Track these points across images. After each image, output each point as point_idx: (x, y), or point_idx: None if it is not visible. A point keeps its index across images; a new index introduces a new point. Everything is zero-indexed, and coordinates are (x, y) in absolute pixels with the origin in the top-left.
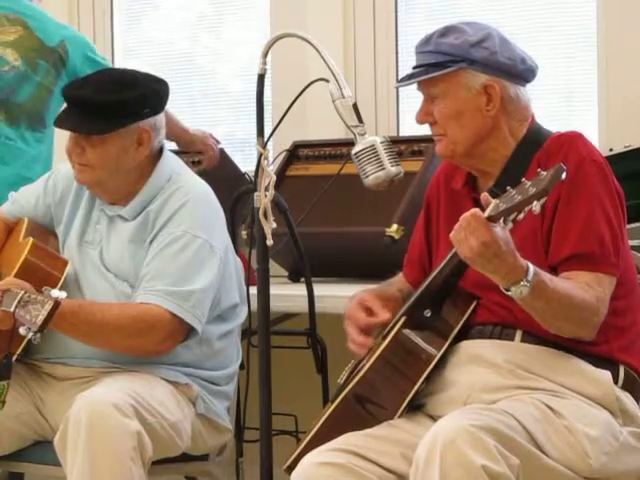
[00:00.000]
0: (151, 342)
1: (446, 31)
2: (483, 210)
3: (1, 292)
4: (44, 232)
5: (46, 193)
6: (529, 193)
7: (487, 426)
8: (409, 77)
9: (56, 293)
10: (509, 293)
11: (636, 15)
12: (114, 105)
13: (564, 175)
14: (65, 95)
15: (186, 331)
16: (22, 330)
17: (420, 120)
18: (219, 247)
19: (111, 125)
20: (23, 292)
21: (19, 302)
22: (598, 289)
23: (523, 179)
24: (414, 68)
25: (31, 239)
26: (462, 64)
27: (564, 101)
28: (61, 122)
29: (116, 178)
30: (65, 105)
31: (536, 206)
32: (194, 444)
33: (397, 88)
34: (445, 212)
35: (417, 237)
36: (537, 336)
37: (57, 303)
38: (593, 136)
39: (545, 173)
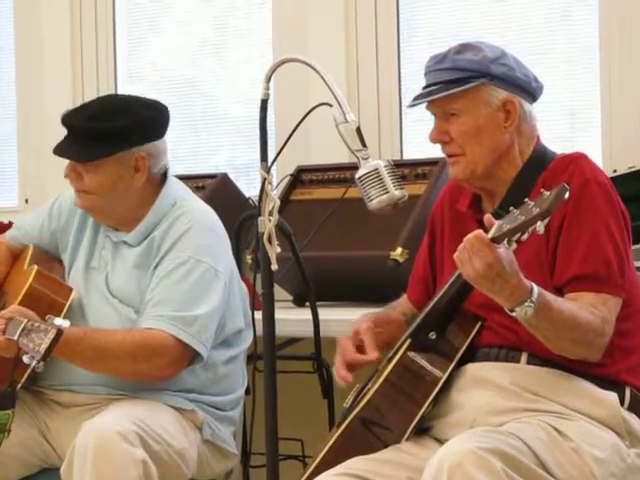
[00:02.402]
0: (156, 367)
1: (462, 48)
2: (487, 231)
3: (6, 320)
4: (49, 259)
5: (51, 219)
6: (532, 213)
7: (494, 448)
8: (427, 95)
9: (59, 321)
10: (513, 314)
11: (639, 35)
12: (103, 132)
13: (567, 195)
14: (62, 122)
15: (191, 356)
16: (26, 358)
17: (434, 139)
18: (224, 272)
19: (101, 152)
20: (26, 320)
21: (22, 330)
22: (603, 310)
23: (526, 199)
24: (425, 87)
25: (35, 266)
26: (483, 79)
27: (567, 122)
28: (57, 149)
29: (116, 203)
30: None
31: (540, 226)
32: (200, 470)
33: (400, 111)
34: (449, 233)
35: (421, 258)
36: (543, 358)
37: (60, 331)
38: (597, 157)
39: (548, 193)
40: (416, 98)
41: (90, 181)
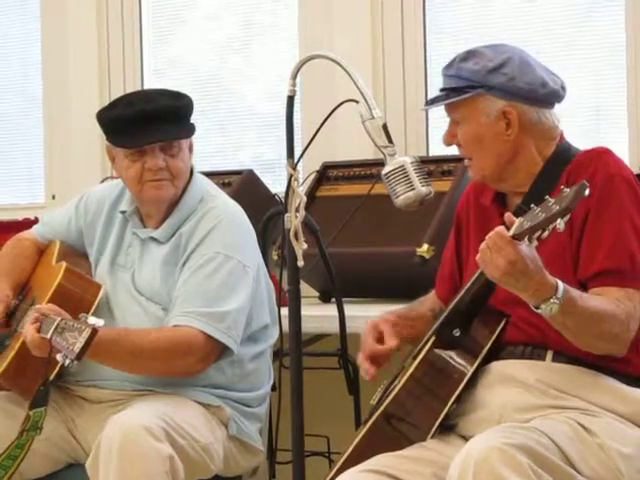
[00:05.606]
0: (188, 364)
1: (467, 55)
2: (509, 229)
3: (40, 317)
4: (75, 255)
5: (78, 215)
6: (552, 211)
7: (520, 444)
8: (432, 101)
9: (93, 320)
10: (539, 311)
11: None
12: (183, 110)
13: (587, 192)
14: (131, 113)
15: (219, 351)
16: (59, 357)
17: (446, 142)
18: (251, 267)
19: (192, 128)
20: (60, 318)
21: (56, 329)
22: (628, 305)
23: (547, 197)
24: (440, 91)
25: (64, 263)
26: (480, 90)
27: (593, 118)
28: (144, 138)
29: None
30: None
31: (560, 224)
32: (226, 466)
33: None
34: (475, 228)
35: (448, 254)
36: (568, 355)
37: (94, 331)
38: (623, 154)
39: (568, 190)
40: (427, 103)
41: (175, 164)
